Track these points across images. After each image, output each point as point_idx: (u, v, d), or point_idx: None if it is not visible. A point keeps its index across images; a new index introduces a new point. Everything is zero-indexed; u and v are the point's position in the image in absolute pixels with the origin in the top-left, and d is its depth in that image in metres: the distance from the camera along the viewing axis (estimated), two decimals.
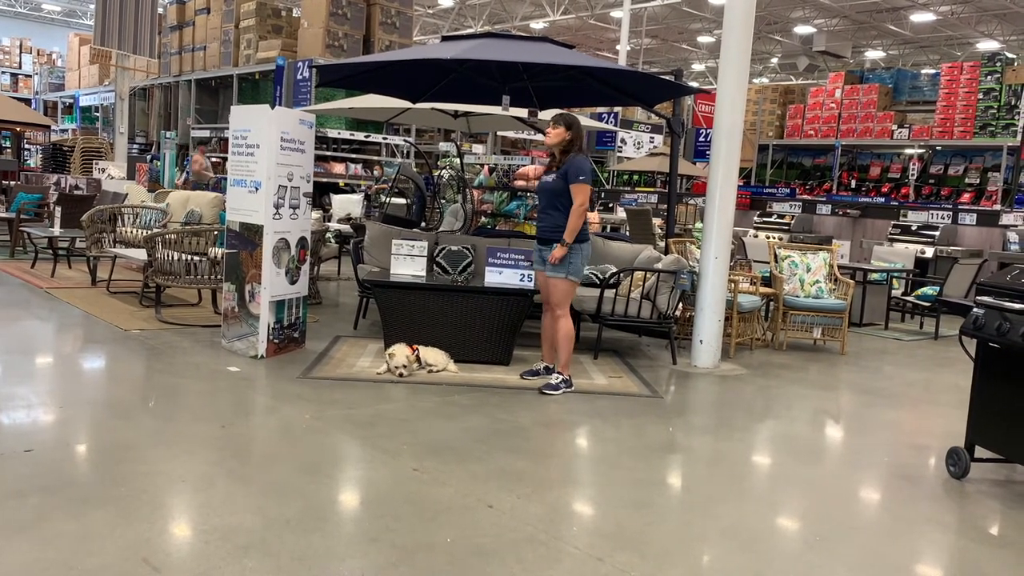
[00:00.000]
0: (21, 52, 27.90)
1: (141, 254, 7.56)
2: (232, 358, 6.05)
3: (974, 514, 4.04)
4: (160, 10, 16.04)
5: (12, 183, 13.92)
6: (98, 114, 23.10)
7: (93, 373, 5.69)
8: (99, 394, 5.15)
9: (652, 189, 18.37)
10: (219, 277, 6.97)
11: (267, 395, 5.31)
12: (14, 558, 2.93)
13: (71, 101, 24.26)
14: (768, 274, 8.29)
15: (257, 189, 5.94)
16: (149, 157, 19.04)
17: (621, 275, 6.96)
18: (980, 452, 4.40)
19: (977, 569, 3.43)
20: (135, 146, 19.59)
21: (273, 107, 6.11)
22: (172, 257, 7.20)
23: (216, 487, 3.69)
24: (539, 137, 13.80)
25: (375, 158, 16.33)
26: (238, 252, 6.15)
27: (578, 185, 5.43)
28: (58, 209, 9.91)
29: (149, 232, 8.04)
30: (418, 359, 5.91)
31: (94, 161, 16.31)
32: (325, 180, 14.51)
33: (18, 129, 16.36)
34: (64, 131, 23.85)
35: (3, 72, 27.57)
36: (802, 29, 24.25)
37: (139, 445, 4.17)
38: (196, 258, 7.28)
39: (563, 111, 5.73)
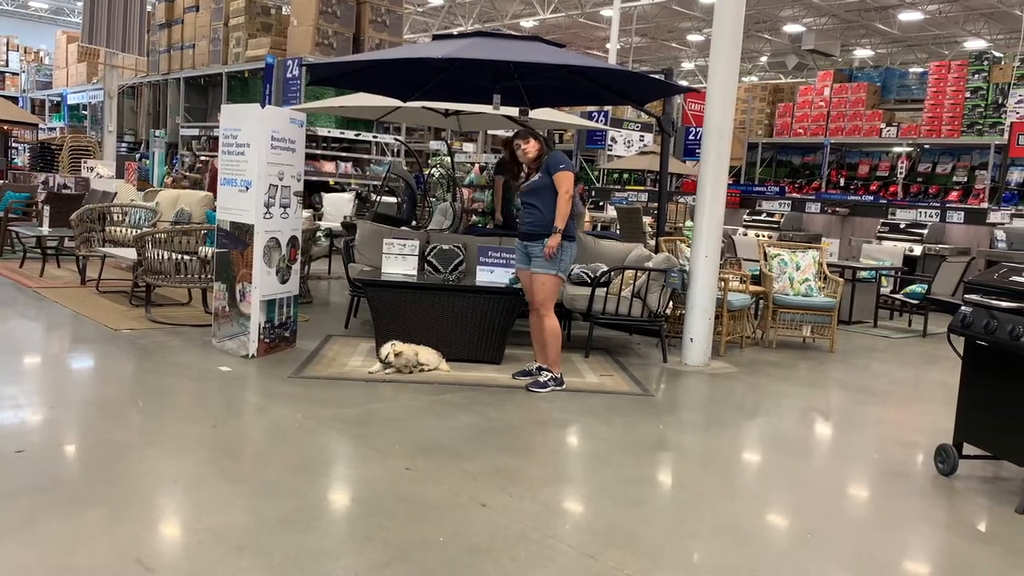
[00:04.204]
0: (8, 50, 27.68)
1: (130, 253, 7.53)
2: (223, 357, 6.04)
3: (962, 510, 4.08)
4: (149, 8, 15.92)
5: (0, 182, 13.84)
6: (86, 112, 22.93)
7: (83, 373, 5.67)
8: (89, 394, 5.13)
9: (642, 188, 18.40)
10: (209, 276, 6.95)
11: (258, 394, 5.31)
12: (6, 559, 2.92)
13: (59, 99, 24.09)
14: (758, 272, 8.33)
15: (247, 188, 5.93)
16: (138, 156, 18.95)
17: (612, 274, 6.98)
18: (968, 449, 4.44)
19: (966, 564, 3.47)
20: (124, 145, 19.48)
21: (263, 106, 6.10)
22: (162, 256, 7.18)
23: (208, 487, 3.68)
24: None
25: (365, 156, 16.30)
26: (228, 251, 6.13)
27: (562, 174, 5.51)
28: (46, 208, 9.86)
29: (138, 231, 8.02)
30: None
31: (82, 160, 16.21)
32: (315, 179, 14.47)
33: (5, 127, 16.25)
34: (52, 130, 23.67)
35: None
36: (791, 28, 24.32)
37: (131, 445, 4.16)
38: (186, 257, 7.26)
39: (521, 127, 5.94)
